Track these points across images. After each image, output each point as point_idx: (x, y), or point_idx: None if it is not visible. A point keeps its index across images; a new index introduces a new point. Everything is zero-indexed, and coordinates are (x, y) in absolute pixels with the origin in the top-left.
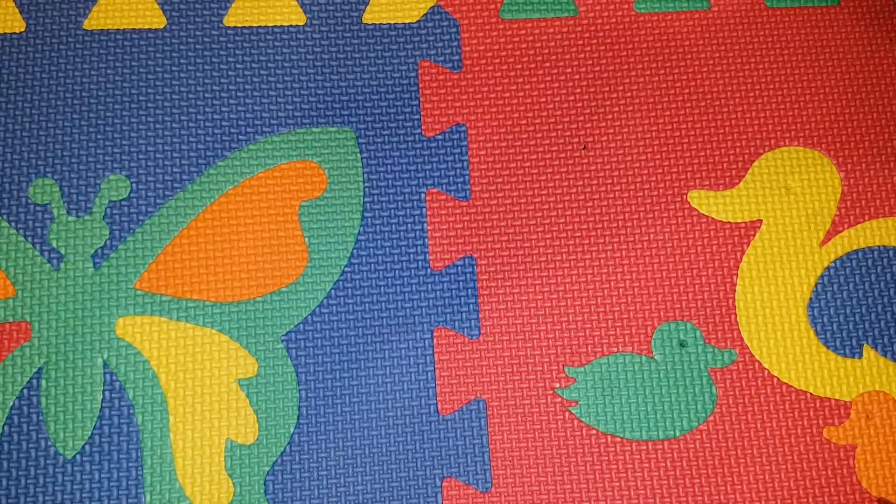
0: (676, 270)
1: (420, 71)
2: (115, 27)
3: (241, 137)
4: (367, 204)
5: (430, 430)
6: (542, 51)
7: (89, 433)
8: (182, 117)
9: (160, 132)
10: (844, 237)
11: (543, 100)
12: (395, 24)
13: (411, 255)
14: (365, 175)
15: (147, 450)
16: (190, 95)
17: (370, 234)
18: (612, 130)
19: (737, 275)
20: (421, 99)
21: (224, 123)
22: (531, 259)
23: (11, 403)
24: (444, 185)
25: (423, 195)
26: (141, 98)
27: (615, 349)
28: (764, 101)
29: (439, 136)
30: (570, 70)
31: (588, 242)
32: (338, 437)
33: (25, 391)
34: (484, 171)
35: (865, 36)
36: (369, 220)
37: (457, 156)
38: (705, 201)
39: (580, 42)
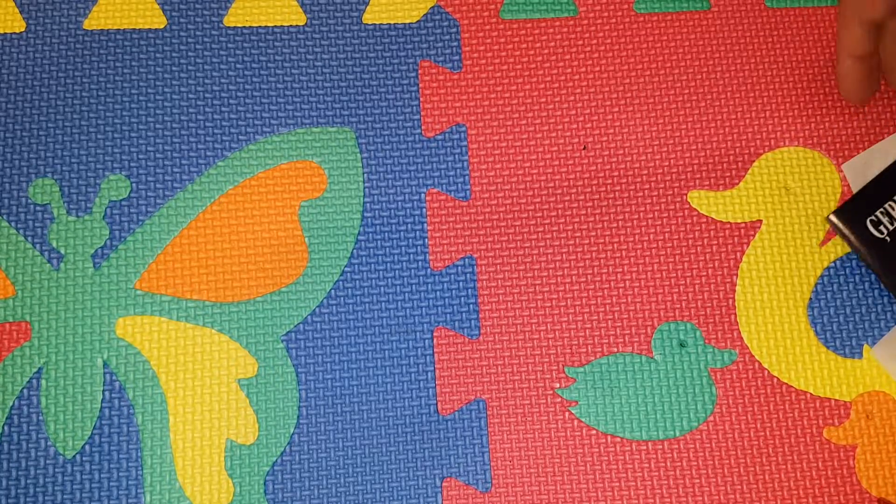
0: (676, 270)
1: (420, 71)
2: (115, 27)
3: (241, 137)
4: (367, 204)
5: (430, 430)
6: (542, 51)
7: (89, 433)
8: (182, 117)
9: (160, 132)
10: None
11: (543, 100)
12: (395, 24)
13: (411, 255)
14: (365, 175)
15: (147, 450)
16: (190, 95)
17: (370, 234)
18: (612, 130)
19: (737, 275)
20: (421, 99)
21: (224, 123)
22: (531, 259)
23: (11, 403)
24: (444, 185)
25: (423, 195)
26: (141, 98)
27: (615, 349)
28: (764, 101)
29: (439, 136)
30: (570, 70)
31: (588, 242)
32: (338, 437)
33: (25, 391)
34: (484, 171)
35: None
36: (369, 220)
37: (457, 156)
38: (705, 201)
39: (580, 42)
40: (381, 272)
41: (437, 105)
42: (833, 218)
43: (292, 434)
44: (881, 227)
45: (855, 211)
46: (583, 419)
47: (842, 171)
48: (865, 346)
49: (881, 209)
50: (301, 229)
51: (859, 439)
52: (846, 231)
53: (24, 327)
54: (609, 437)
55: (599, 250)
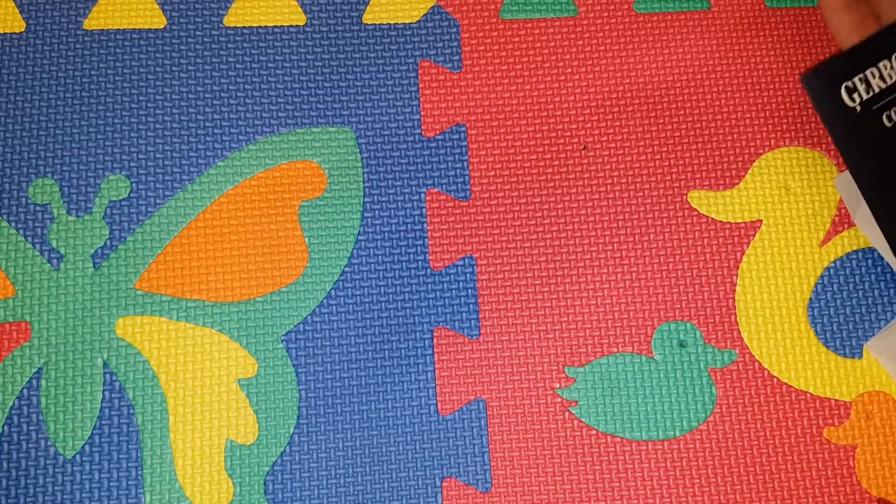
0: (676, 270)
1: (420, 71)
2: (115, 27)
3: (241, 137)
4: (367, 204)
5: (430, 430)
6: (542, 51)
7: (89, 433)
8: (182, 117)
9: (160, 132)
10: (844, 237)
11: (543, 100)
12: (395, 24)
13: (411, 255)
14: (365, 175)
15: (147, 450)
16: (190, 95)
17: (370, 234)
18: (612, 130)
19: (737, 275)
20: (421, 99)
21: (224, 123)
22: (531, 259)
23: (11, 403)
24: (444, 185)
25: (423, 195)
26: (141, 98)
27: (615, 349)
28: (764, 101)
29: (439, 136)
30: (570, 70)
31: (588, 242)
32: (338, 437)
33: (25, 391)
34: (484, 171)
35: None
36: (369, 220)
37: (457, 156)
38: (705, 201)
39: (580, 42)
40: (381, 272)
41: (437, 105)
42: (806, 79)
43: (292, 434)
44: (854, 95)
45: (831, 73)
46: (583, 419)
47: (842, 171)
48: (865, 347)
49: (860, 75)
50: (301, 229)
51: (859, 439)
52: (816, 94)
53: (24, 327)
54: (609, 437)
55: (599, 250)
